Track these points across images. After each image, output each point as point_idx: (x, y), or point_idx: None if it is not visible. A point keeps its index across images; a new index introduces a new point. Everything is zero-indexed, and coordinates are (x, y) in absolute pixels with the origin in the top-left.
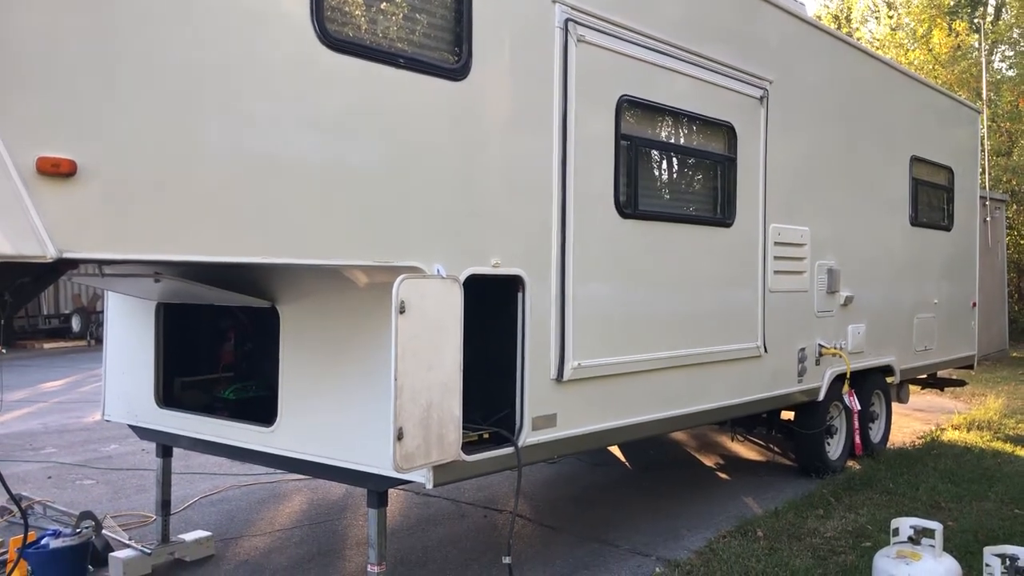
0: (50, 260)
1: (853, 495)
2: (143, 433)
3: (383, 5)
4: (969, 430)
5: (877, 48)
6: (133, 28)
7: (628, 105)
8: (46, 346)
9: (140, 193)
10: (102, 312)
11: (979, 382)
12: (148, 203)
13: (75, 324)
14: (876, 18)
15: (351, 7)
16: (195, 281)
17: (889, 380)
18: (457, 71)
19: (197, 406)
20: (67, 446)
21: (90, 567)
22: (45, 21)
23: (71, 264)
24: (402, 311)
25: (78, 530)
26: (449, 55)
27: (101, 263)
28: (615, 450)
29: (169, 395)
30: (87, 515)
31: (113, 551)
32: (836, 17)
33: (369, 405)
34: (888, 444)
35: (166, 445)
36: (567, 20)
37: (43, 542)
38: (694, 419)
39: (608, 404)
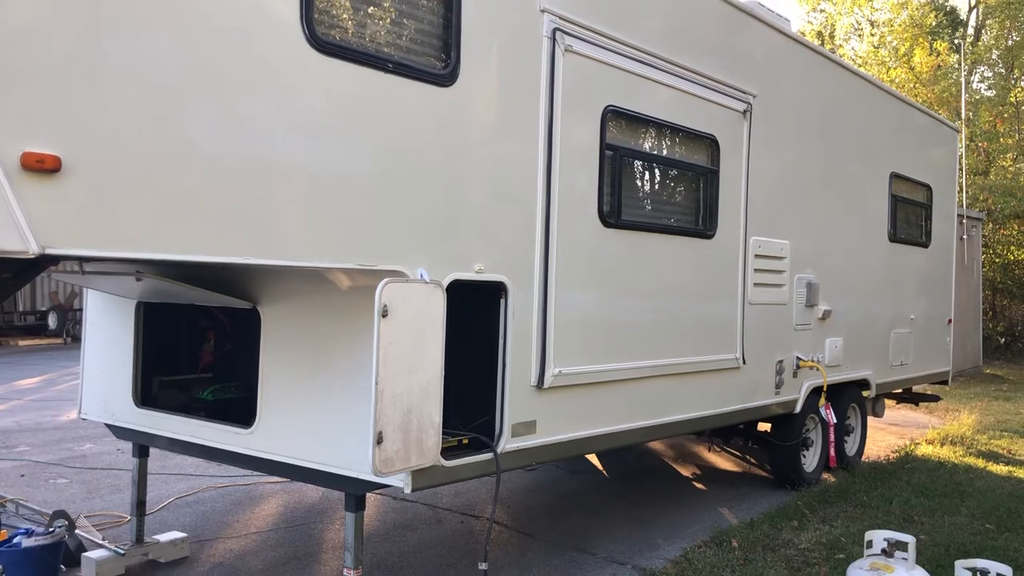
0: (32, 256)
1: (828, 507)
2: (120, 432)
3: (372, 10)
4: (943, 445)
5: (860, 65)
6: (121, 26)
7: (613, 115)
8: (21, 343)
9: (124, 191)
10: (79, 310)
11: (953, 397)
12: (132, 201)
13: (51, 321)
14: (859, 36)
15: (340, 11)
16: (177, 280)
17: (865, 394)
18: (445, 77)
19: (175, 406)
20: (41, 444)
21: (62, 567)
22: (32, 18)
23: (52, 260)
24: (384, 315)
25: (51, 529)
26: (437, 61)
27: (83, 260)
28: (593, 458)
29: (147, 394)
30: (60, 514)
31: (86, 551)
32: (820, 34)
33: (349, 408)
34: (863, 457)
35: (143, 445)
36: (555, 30)
37: (15, 540)
38: (672, 429)
39: (587, 412)
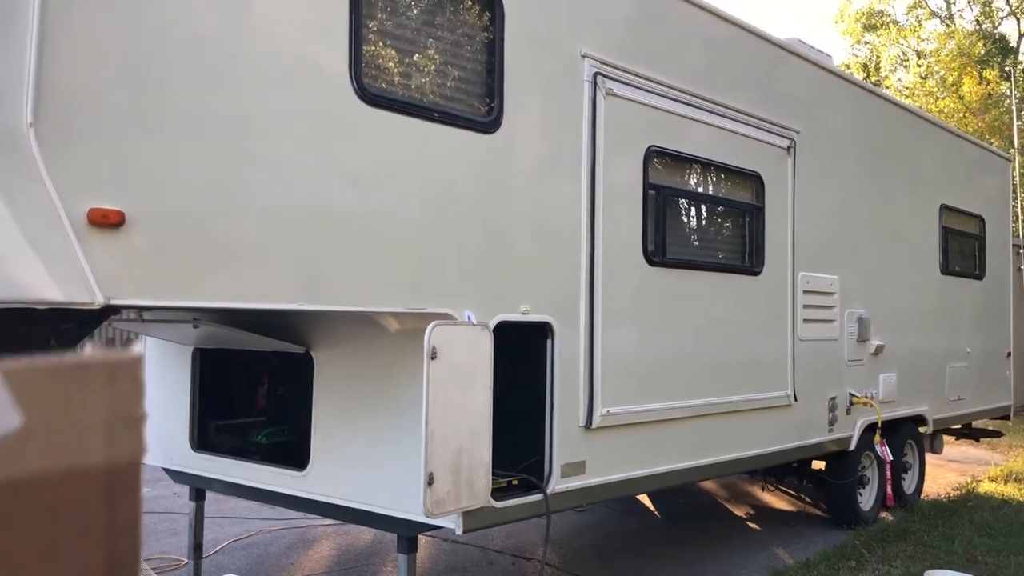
0: (97, 307)
1: (886, 547)
2: (177, 476)
3: (418, 61)
4: (1007, 482)
5: (906, 97)
6: (179, 83)
7: (656, 155)
8: None
9: (183, 242)
10: None
11: (1016, 433)
12: (190, 251)
13: None
14: (905, 66)
15: (387, 63)
16: (232, 327)
17: (922, 430)
18: (489, 124)
19: (230, 450)
20: None
21: None
22: (95, 76)
23: (115, 310)
24: (433, 357)
25: None
26: (481, 109)
27: (143, 309)
28: (644, 498)
29: (204, 438)
30: None
31: None
32: (865, 66)
33: (400, 450)
34: (922, 495)
35: (199, 488)
36: (596, 74)
37: None
38: (723, 468)
39: (637, 452)
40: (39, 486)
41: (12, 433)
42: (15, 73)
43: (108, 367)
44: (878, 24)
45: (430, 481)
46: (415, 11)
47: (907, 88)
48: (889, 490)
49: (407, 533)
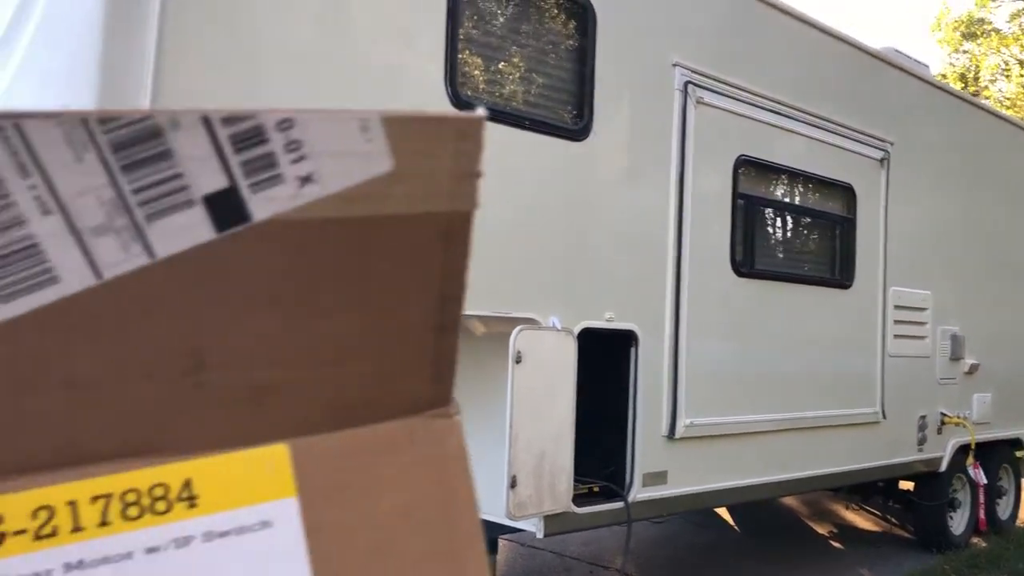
0: None
1: (977, 573)
2: None
3: (511, 71)
4: None
5: (1008, 107)
6: (275, 91)
7: (746, 165)
8: None
9: None
10: None
11: None
12: None
13: None
14: (1007, 76)
15: (481, 71)
16: None
17: (1019, 454)
18: (578, 131)
19: None
20: None
21: None
22: (202, 83)
23: None
24: (518, 361)
25: None
26: (571, 117)
27: None
28: (723, 511)
29: None
30: None
31: None
32: (963, 76)
33: (483, 452)
34: (1017, 522)
35: None
36: (687, 83)
37: None
38: (807, 484)
39: (719, 464)
40: (396, 226)
41: (385, 175)
42: (136, 80)
43: (459, 123)
44: (978, 32)
45: (513, 484)
46: (508, 19)
47: (1008, 99)
48: (982, 515)
49: (488, 535)
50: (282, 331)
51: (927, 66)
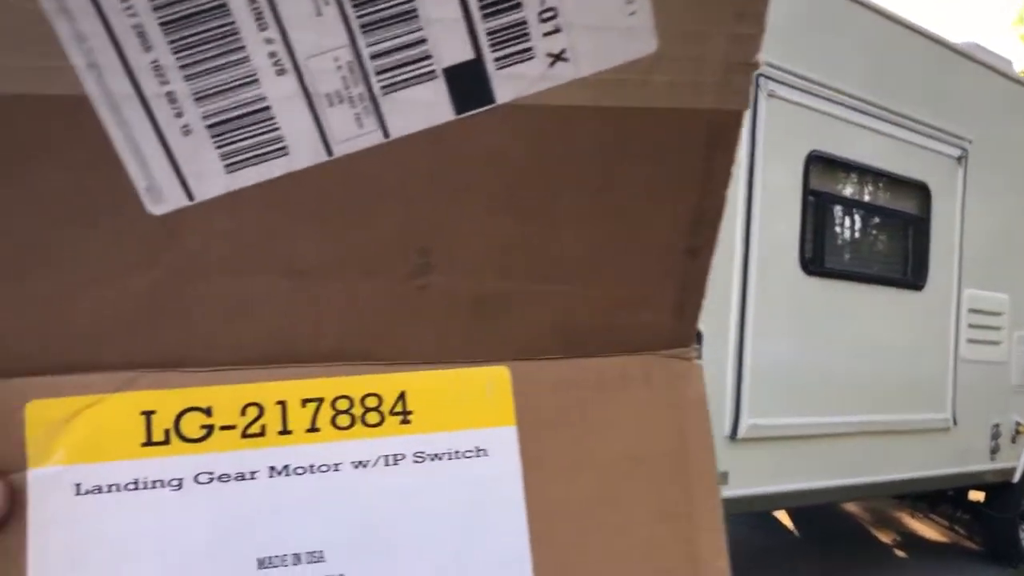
0: None
1: None
2: None
3: None
4: None
5: None
6: None
7: (817, 161)
8: None
9: None
10: None
11: None
12: None
13: None
14: None
15: None
16: None
17: None
18: None
19: None
20: None
21: None
22: None
23: None
24: None
25: None
26: None
27: None
28: (782, 515)
29: None
30: None
31: None
32: None
33: None
34: None
35: None
36: (758, 75)
37: None
38: (871, 490)
39: (781, 466)
40: (653, 123)
41: (646, 59)
42: None
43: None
44: None
45: None
46: None
47: None
48: None
49: None
50: (516, 237)
51: (1010, 62)
